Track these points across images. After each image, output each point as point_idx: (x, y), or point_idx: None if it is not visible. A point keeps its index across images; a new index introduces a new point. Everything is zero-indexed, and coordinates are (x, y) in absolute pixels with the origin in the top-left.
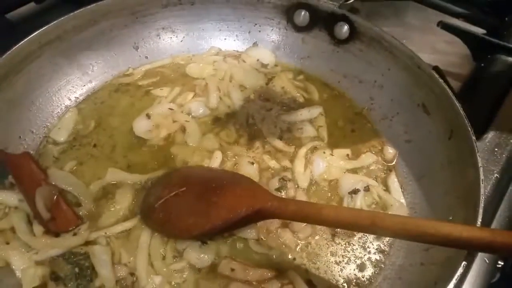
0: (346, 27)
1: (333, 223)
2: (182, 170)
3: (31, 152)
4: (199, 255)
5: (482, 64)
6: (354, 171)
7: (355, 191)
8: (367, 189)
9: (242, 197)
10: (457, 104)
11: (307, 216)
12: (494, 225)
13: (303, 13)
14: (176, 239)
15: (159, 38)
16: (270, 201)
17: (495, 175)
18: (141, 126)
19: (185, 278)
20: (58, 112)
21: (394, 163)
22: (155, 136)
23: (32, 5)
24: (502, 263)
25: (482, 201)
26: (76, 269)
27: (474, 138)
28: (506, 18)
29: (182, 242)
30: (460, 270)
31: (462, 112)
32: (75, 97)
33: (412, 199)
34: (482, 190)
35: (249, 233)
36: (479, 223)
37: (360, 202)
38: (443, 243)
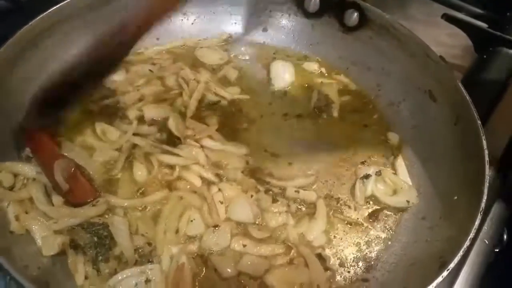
0: (356, 15)
1: None
2: None
3: None
4: (214, 241)
5: (484, 56)
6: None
7: (366, 176)
8: (378, 173)
9: None
10: (463, 91)
11: None
12: (494, 210)
13: None
14: None
15: (170, 20)
16: None
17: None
18: None
19: (198, 252)
20: None
21: (400, 147)
22: None
23: None
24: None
25: (487, 181)
26: (95, 238)
27: (479, 122)
28: (508, 14)
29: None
30: (467, 243)
31: (468, 98)
32: None
33: (418, 181)
34: (487, 171)
35: (246, 217)
36: (483, 204)
37: (371, 186)
38: None
